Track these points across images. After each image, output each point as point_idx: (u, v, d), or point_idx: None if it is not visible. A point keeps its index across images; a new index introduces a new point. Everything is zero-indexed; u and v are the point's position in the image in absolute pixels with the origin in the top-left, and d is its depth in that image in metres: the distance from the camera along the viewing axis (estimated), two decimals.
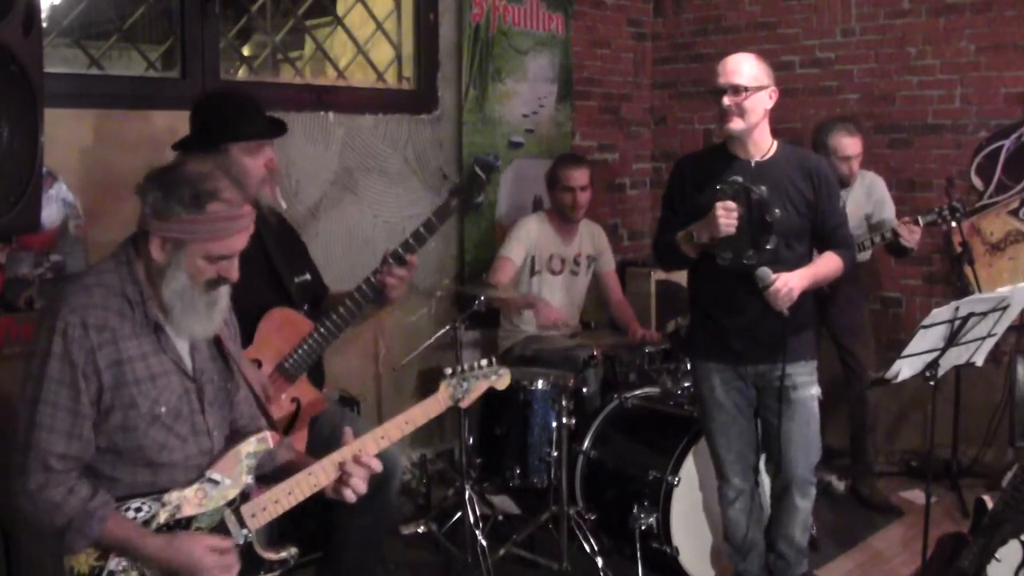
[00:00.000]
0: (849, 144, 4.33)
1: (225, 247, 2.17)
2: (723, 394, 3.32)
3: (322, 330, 2.93)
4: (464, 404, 2.49)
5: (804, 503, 3.34)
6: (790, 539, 3.39)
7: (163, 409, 2.20)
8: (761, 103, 3.15)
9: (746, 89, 3.11)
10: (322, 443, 2.74)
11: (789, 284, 3.05)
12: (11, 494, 2.15)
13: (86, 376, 2.12)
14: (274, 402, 2.79)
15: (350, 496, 2.30)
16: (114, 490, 2.18)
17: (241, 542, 2.26)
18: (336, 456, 2.33)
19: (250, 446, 2.29)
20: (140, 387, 2.17)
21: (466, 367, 2.48)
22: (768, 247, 3.09)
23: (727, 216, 3.04)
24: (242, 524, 2.26)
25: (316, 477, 2.31)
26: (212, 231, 2.14)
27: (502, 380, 2.54)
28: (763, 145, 3.22)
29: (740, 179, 3.11)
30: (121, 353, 2.15)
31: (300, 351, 2.90)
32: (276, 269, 3.03)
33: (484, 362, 2.52)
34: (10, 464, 2.16)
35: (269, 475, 2.38)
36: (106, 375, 2.14)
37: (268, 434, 2.34)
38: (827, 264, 3.23)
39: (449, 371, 2.47)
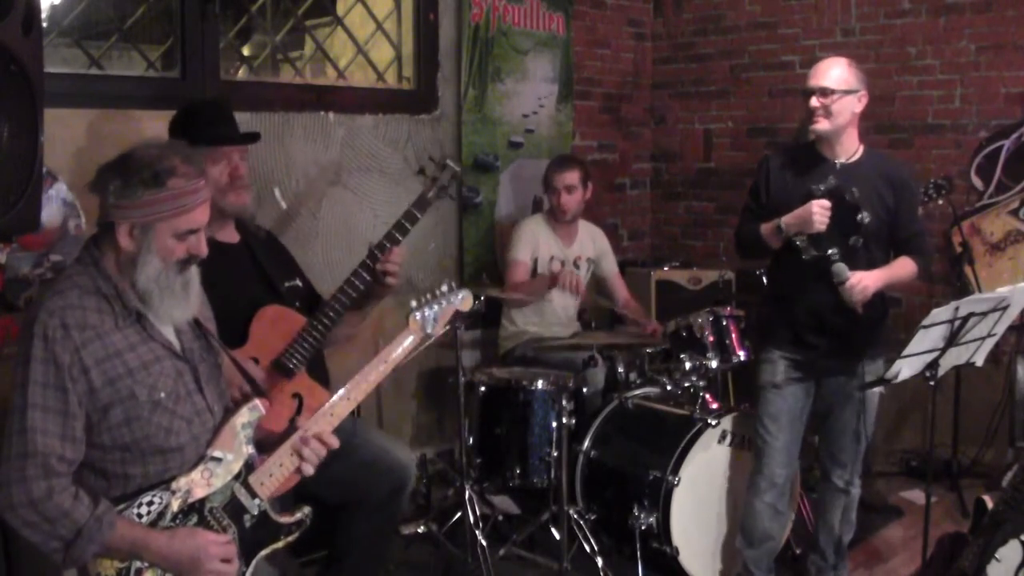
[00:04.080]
0: None
1: (191, 221, 2.20)
2: (784, 382, 3.39)
3: (316, 323, 2.93)
4: (437, 332, 2.51)
5: (851, 487, 3.44)
6: (831, 529, 3.46)
7: (162, 394, 2.20)
8: (849, 107, 3.25)
9: (834, 92, 3.21)
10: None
11: (864, 282, 3.16)
12: (6, 508, 2.08)
13: (73, 377, 2.10)
14: (274, 400, 2.79)
15: (307, 470, 2.32)
16: (127, 486, 2.18)
17: (256, 512, 2.28)
18: (327, 407, 2.36)
19: (243, 417, 2.31)
20: (135, 377, 2.16)
21: (427, 296, 2.50)
22: (853, 246, 3.21)
23: (822, 214, 3.15)
24: (253, 495, 2.28)
25: (309, 431, 2.34)
26: (176, 206, 2.16)
27: (465, 302, 2.56)
28: (850, 148, 3.32)
29: (834, 180, 3.22)
30: (107, 348, 2.14)
31: (296, 346, 2.90)
32: (266, 273, 3.05)
33: (444, 287, 2.54)
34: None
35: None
36: (95, 373, 2.12)
37: (258, 402, 2.34)
38: (903, 268, 3.32)
39: (413, 303, 2.49)
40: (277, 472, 2.30)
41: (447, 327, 2.56)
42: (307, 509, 2.37)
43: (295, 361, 2.90)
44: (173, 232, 2.18)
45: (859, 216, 3.20)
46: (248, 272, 3.01)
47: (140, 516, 2.16)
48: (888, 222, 3.29)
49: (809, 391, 3.42)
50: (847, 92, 3.22)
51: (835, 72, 3.25)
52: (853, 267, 3.18)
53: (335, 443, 2.35)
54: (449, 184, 3.20)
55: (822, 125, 3.25)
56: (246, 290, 2.95)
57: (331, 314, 2.95)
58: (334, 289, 3.04)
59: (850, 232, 3.21)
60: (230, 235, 3.04)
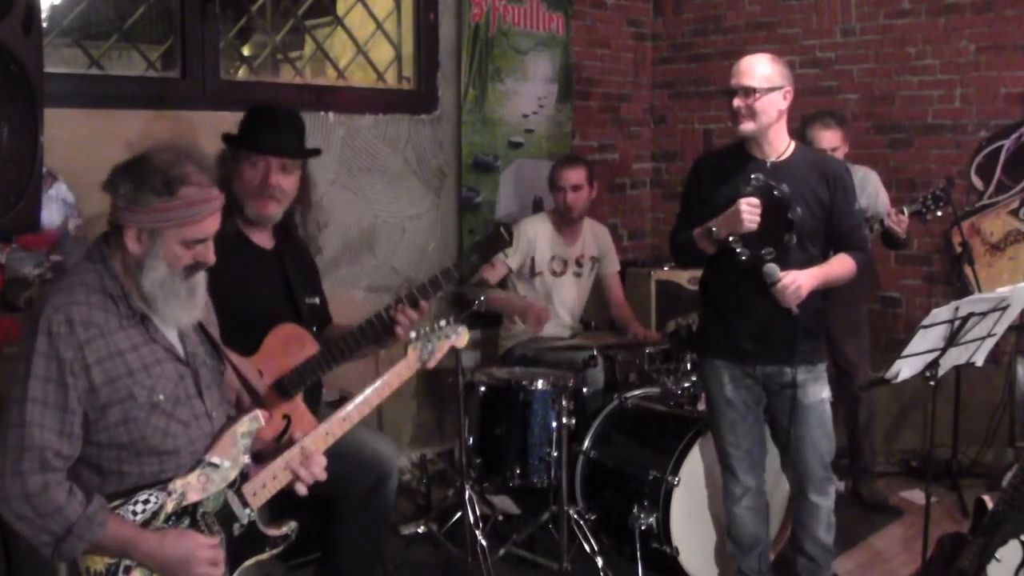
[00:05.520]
0: (824, 136, 4.24)
1: (200, 231, 2.20)
2: (732, 391, 3.32)
3: (327, 355, 2.92)
4: (431, 365, 2.62)
5: (824, 501, 3.35)
6: (815, 538, 3.39)
7: (161, 396, 2.20)
8: (774, 104, 3.16)
9: (756, 91, 3.13)
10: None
11: (797, 281, 3.06)
12: None
13: (74, 373, 2.11)
14: (266, 417, 2.79)
15: (301, 490, 2.36)
16: (122, 483, 2.19)
17: (245, 521, 2.29)
18: (324, 427, 2.40)
19: (243, 426, 2.32)
20: (135, 378, 2.17)
21: (427, 329, 2.61)
22: (788, 244, 3.11)
23: (751, 212, 3.05)
24: (245, 504, 2.29)
25: (308, 450, 2.37)
26: (186, 216, 2.17)
27: (461, 338, 2.68)
28: (779, 146, 3.24)
29: (762, 177, 3.13)
30: (110, 347, 2.15)
31: (300, 370, 2.89)
32: (291, 286, 3.04)
33: (443, 322, 2.64)
34: None
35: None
36: (96, 371, 2.13)
37: (259, 412, 2.35)
38: (840, 265, 3.24)
39: (413, 334, 2.60)
40: (270, 484, 2.32)
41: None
42: (293, 524, 2.39)
43: (296, 386, 2.89)
44: (181, 240, 2.18)
45: (790, 212, 3.11)
46: (274, 282, 3.01)
47: (135, 514, 2.16)
48: (824, 219, 3.21)
49: (759, 396, 3.35)
50: (771, 89, 3.14)
51: (757, 70, 3.16)
52: (791, 267, 3.08)
53: (323, 465, 2.38)
54: (498, 249, 3.08)
55: (747, 126, 3.16)
56: (267, 299, 2.95)
57: (343, 349, 2.93)
58: (347, 327, 3.02)
59: (783, 229, 3.11)
60: (264, 240, 3.04)
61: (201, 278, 2.28)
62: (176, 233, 2.17)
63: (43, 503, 2.07)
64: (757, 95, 3.13)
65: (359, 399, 2.47)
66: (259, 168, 2.94)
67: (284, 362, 2.88)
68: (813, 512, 3.36)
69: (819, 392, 3.28)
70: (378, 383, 2.50)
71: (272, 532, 2.36)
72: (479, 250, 3.08)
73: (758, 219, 3.06)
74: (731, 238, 3.11)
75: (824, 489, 3.35)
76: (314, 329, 3.05)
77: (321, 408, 3.09)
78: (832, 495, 3.38)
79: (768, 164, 3.21)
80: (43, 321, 2.11)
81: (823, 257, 3.25)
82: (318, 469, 2.35)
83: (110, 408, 2.15)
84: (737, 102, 3.15)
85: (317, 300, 3.17)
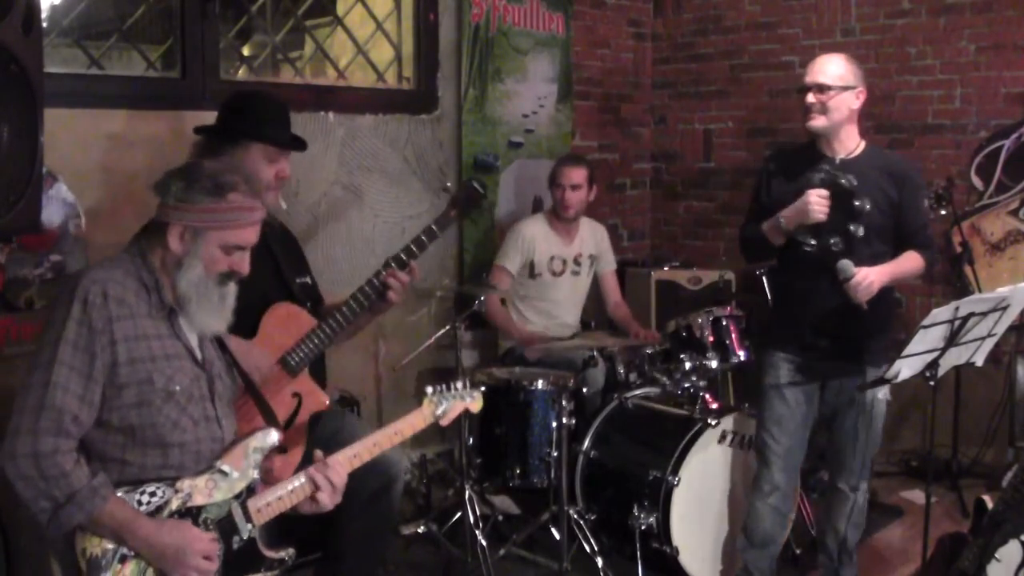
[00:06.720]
0: None
1: (240, 237, 2.29)
2: (788, 386, 3.34)
3: (325, 327, 2.95)
4: (444, 423, 2.64)
5: (853, 493, 3.38)
6: (837, 531, 3.41)
7: (177, 388, 2.25)
8: (846, 103, 3.21)
9: (830, 88, 3.18)
10: (323, 443, 2.76)
11: (869, 278, 3.09)
12: (6, 457, 2.11)
13: (102, 345, 2.17)
14: (275, 396, 2.80)
15: (324, 501, 2.38)
16: (124, 473, 2.21)
17: (246, 537, 2.30)
18: (336, 457, 2.42)
19: (256, 440, 2.35)
20: (156, 363, 2.23)
21: (444, 387, 2.65)
22: (856, 235, 3.14)
23: (819, 203, 3.10)
24: (248, 519, 2.30)
25: (330, 463, 2.40)
26: (230, 219, 2.26)
27: (475, 403, 2.71)
28: (849, 144, 3.28)
29: (829, 169, 3.18)
30: (137, 329, 2.22)
31: (303, 346, 2.92)
32: (280, 268, 3.07)
33: (460, 384, 2.68)
34: (7, 428, 2.14)
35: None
36: (121, 348, 2.18)
37: (273, 430, 2.39)
38: (909, 262, 3.27)
39: (430, 390, 2.63)
40: (275, 504, 2.34)
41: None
42: (291, 551, 2.40)
43: (299, 360, 2.91)
44: (221, 243, 2.26)
45: (857, 202, 3.14)
46: (263, 267, 2.99)
47: (140, 504, 2.19)
48: (892, 216, 3.24)
49: (812, 396, 3.37)
50: (844, 88, 3.19)
51: (831, 68, 3.21)
52: (857, 260, 3.12)
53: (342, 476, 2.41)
54: (473, 205, 3.25)
55: (818, 122, 3.22)
56: (259, 284, 2.92)
57: (340, 319, 2.97)
58: (339, 300, 3.03)
59: (852, 219, 3.15)
60: None
61: (232, 289, 2.34)
62: (218, 236, 2.25)
63: (49, 466, 2.10)
64: (831, 92, 3.18)
65: (370, 439, 2.50)
66: (273, 163, 2.97)
67: (284, 341, 2.91)
68: (841, 500, 3.39)
69: (880, 391, 3.30)
70: (390, 429, 2.53)
71: (270, 554, 2.36)
72: (456, 205, 3.19)
73: (827, 209, 3.10)
74: (800, 229, 3.16)
75: (857, 483, 3.38)
76: (308, 306, 3.06)
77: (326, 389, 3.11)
78: (863, 491, 3.41)
79: (837, 160, 3.25)
80: (80, 290, 2.18)
81: (891, 255, 3.28)
82: (338, 479, 2.37)
83: (127, 388, 2.19)
84: (811, 98, 3.21)
85: (308, 279, 3.20)
